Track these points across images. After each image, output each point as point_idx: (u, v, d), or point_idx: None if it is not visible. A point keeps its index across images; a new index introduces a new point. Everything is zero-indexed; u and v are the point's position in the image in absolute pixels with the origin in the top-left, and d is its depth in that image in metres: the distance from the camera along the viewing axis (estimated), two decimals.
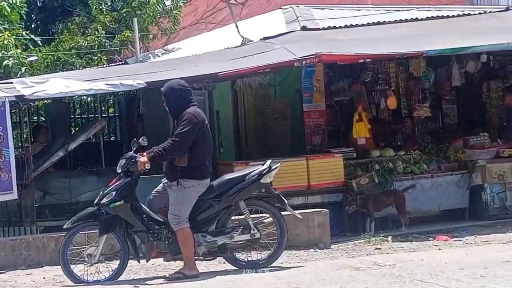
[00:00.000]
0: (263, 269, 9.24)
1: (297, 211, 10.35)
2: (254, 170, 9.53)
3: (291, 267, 9.44)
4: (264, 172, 9.39)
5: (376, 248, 11.18)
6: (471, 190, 13.80)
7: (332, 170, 13.14)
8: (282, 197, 9.67)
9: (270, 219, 9.48)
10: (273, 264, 9.38)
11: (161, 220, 9.24)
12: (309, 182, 12.91)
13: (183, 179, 8.98)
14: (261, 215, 9.57)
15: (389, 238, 11.99)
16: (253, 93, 15.50)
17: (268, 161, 9.74)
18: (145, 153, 9.12)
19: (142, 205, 9.33)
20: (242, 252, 9.56)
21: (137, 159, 9.07)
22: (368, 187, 13.32)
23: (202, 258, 9.46)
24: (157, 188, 9.47)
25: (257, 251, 9.56)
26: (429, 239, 12.00)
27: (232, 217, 9.56)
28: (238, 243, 9.44)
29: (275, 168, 9.62)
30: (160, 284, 8.95)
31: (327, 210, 11.77)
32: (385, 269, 8.82)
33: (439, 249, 10.96)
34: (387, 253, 10.60)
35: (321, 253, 10.94)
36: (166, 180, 9.29)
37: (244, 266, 9.38)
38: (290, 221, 10.17)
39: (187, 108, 9.09)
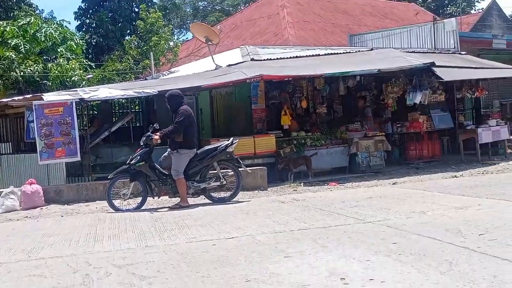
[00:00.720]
0: (227, 202, 10.10)
1: (248, 168, 11.32)
2: (222, 144, 10.41)
3: (244, 201, 10.13)
4: (229, 145, 10.28)
5: (294, 190, 12.07)
6: (350, 156, 15.11)
7: (268, 144, 14.14)
8: (239, 160, 10.53)
9: (232, 172, 10.31)
10: (233, 200, 10.20)
11: (167, 173, 9.98)
12: (255, 151, 13.84)
13: (180, 149, 9.85)
14: (226, 170, 10.35)
15: (302, 184, 12.91)
16: (222, 98, 16.15)
17: (231, 139, 10.62)
18: (157, 134, 9.92)
19: (155, 164, 10.08)
20: (215, 192, 10.30)
21: (152, 137, 9.88)
22: (290, 154, 14.37)
23: (191, 196, 10.22)
24: (164, 154, 10.23)
25: (224, 191, 10.33)
26: (325, 184, 12.96)
27: (209, 172, 10.29)
28: (212, 187, 10.21)
29: (235, 142, 10.50)
30: (166, 211, 9.57)
31: (265, 168, 12.81)
32: (299, 202, 9.44)
33: (331, 190, 11.80)
34: (300, 193, 11.33)
35: (262, 193, 11.76)
36: (170, 150, 10.05)
37: (216, 200, 10.25)
38: (244, 174, 10.81)
39: (181, 106, 9.90)
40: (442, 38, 21.49)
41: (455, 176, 12.80)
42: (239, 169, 10.32)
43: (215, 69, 16.07)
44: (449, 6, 45.61)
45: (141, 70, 21.27)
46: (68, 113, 12.45)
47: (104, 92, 13.49)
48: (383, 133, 16.04)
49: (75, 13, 30.95)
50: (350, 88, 16.96)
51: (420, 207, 7.80)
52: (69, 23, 30.54)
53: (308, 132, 15.60)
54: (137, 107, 19.69)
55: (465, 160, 15.94)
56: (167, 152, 10.09)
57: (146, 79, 19.02)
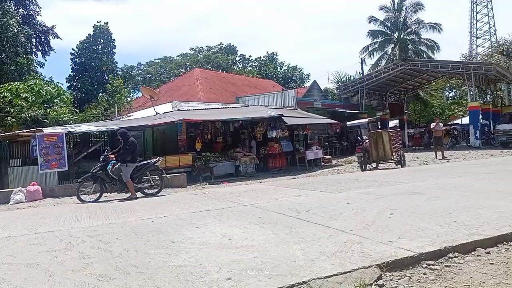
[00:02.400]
0: (155, 196, 9.33)
1: (169, 175, 10.68)
2: (152, 160, 9.71)
3: (167, 195, 9.49)
4: (156, 161, 9.63)
5: (203, 187, 11.64)
6: (236, 166, 14.91)
7: (187, 159, 13.81)
8: (163, 170, 9.77)
9: (158, 178, 9.50)
10: (159, 194, 9.42)
11: (116, 178, 9.18)
12: (179, 164, 13.45)
13: (128, 163, 9.13)
14: (154, 176, 9.51)
15: (207, 184, 12.63)
16: (160, 132, 15.69)
17: (158, 157, 10.09)
18: (112, 154, 9.31)
19: (109, 172, 9.19)
20: (148, 190, 9.43)
21: (108, 155, 9.25)
22: (200, 165, 13.85)
23: (136, 192, 9.36)
24: (116, 166, 9.21)
25: (153, 189, 9.47)
26: (221, 184, 12.55)
27: (144, 177, 9.44)
28: (145, 186, 9.41)
29: (160, 159, 9.98)
30: (119, 201, 8.71)
31: (185, 174, 12.33)
32: (205, 194, 8.87)
33: (224, 187, 11.17)
34: (206, 189, 10.76)
35: (183, 189, 11.12)
36: (120, 163, 9.17)
37: (148, 195, 9.38)
38: (166, 179, 9.95)
39: (128, 139, 9.15)
40: (287, 100, 22.05)
41: (294, 178, 12.93)
42: (163, 175, 9.64)
43: (155, 114, 15.83)
44: (291, 82, 47.84)
45: (108, 115, 20.18)
46: (60, 140, 11.98)
47: (84, 127, 13.05)
48: (255, 154, 16.06)
49: (67, 78, 29.28)
50: (236, 127, 16.98)
51: (275, 196, 7.72)
52: (62, 84, 28.97)
53: (212, 152, 15.33)
54: (105, 137, 18.39)
55: (300, 169, 16.26)
56: (118, 164, 9.25)
57: (112, 120, 18.50)
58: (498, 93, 29.97)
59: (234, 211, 6.16)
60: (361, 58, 34.71)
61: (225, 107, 17.77)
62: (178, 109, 15.96)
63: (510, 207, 5.17)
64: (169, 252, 3.97)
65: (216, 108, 17.31)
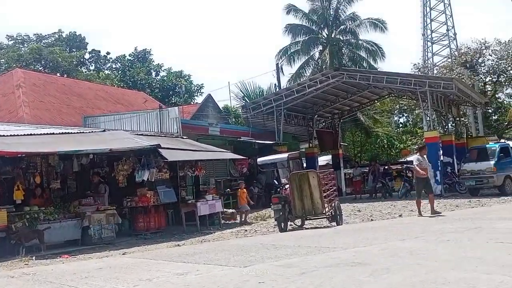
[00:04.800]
0: None
1: None
2: None
3: None
4: None
5: (25, 264, 11.26)
6: (83, 229, 14.65)
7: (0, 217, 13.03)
8: None
9: None
10: None
11: None
12: None
13: None
14: None
15: (34, 257, 12.12)
16: None
17: None
18: None
19: None
20: None
21: None
22: (22, 228, 13.47)
23: None
24: None
25: None
26: (58, 257, 12.35)
27: None
28: None
29: None
30: None
31: None
32: (29, 276, 8.75)
33: (63, 263, 11.24)
34: (32, 267, 10.64)
35: None
36: None
37: None
38: None
39: None
40: (167, 123, 22.20)
41: (178, 245, 12.98)
42: None
43: None
44: (173, 96, 48.07)
45: None
46: None
47: None
48: (114, 207, 15.90)
49: None
50: (84, 165, 16.75)
51: (147, 275, 7.71)
52: None
53: (42, 207, 14.85)
54: None
55: (187, 230, 16.38)
56: None
57: None
58: (463, 119, 33.56)
59: None
60: (277, 64, 36.46)
61: (65, 133, 17.29)
62: None
63: (484, 281, 5.60)
64: None
65: (51, 133, 16.70)
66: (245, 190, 19.87)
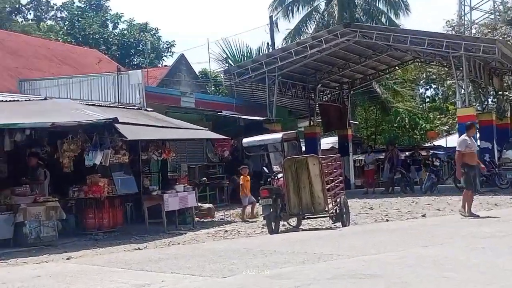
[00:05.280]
0: None
1: None
2: None
3: None
4: None
5: None
6: (16, 226, 14.41)
7: None
8: None
9: None
10: None
11: None
12: None
13: None
14: None
15: None
16: None
17: None
18: None
19: None
20: None
21: None
22: None
23: None
24: None
25: None
26: None
27: None
28: None
29: None
30: None
31: None
32: None
33: None
34: None
35: None
36: None
37: None
38: None
39: None
40: (127, 91, 22.22)
41: (139, 249, 13.07)
42: None
43: None
44: (136, 56, 47.76)
45: None
46: None
47: None
48: (57, 199, 15.78)
49: None
50: (18, 143, 16.54)
51: (97, 286, 7.79)
52: None
53: None
54: None
55: (151, 230, 16.35)
56: None
57: None
58: (507, 93, 33.35)
59: None
60: (271, 17, 36.33)
61: None
62: None
63: None
64: None
65: None
66: (248, 177, 19.89)
